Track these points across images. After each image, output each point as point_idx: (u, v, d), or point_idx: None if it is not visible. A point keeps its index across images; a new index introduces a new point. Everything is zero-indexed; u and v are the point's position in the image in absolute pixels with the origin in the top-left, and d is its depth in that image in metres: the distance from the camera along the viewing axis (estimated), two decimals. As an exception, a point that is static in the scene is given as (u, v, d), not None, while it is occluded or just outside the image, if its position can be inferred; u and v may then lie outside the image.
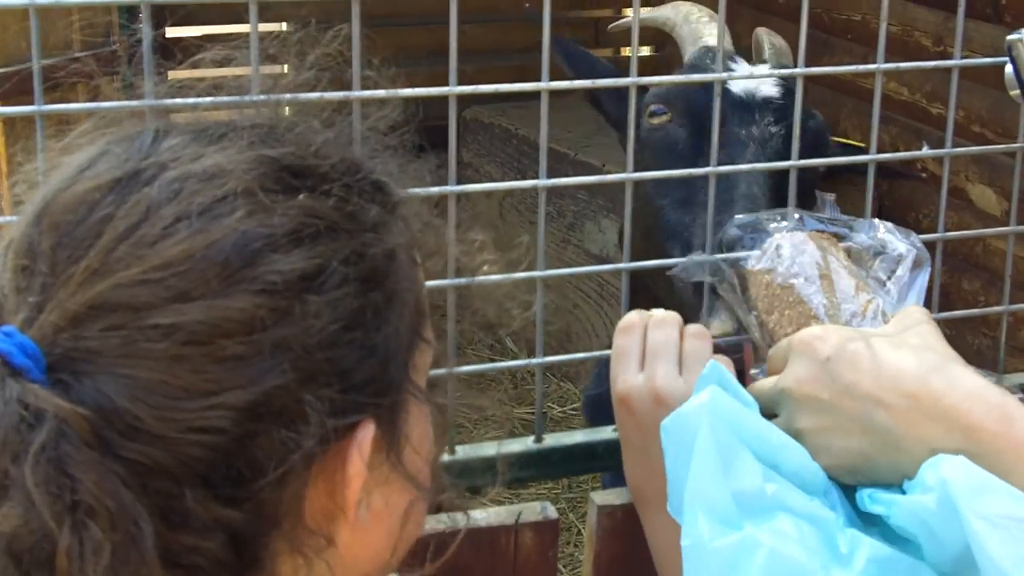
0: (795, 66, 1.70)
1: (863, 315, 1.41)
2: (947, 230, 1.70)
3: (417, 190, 1.13)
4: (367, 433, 0.95)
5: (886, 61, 1.66)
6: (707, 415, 1.18)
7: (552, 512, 1.51)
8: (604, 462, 1.61)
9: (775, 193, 2.09)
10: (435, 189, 1.30)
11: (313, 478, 0.93)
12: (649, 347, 1.39)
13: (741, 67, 2.45)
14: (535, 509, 1.51)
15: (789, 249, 1.46)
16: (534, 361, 1.56)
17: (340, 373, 0.93)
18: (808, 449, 1.23)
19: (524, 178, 5.11)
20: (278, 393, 0.89)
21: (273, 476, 0.89)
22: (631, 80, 1.56)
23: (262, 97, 1.10)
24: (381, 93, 1.34)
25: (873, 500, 1.20)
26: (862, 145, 2.45)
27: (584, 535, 1.76)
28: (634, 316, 1.45)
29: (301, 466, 0.90)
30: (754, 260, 1.49)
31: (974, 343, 4.28)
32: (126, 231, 0.90)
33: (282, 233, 0.92)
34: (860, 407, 1.19)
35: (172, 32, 5.95)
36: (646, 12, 2.64)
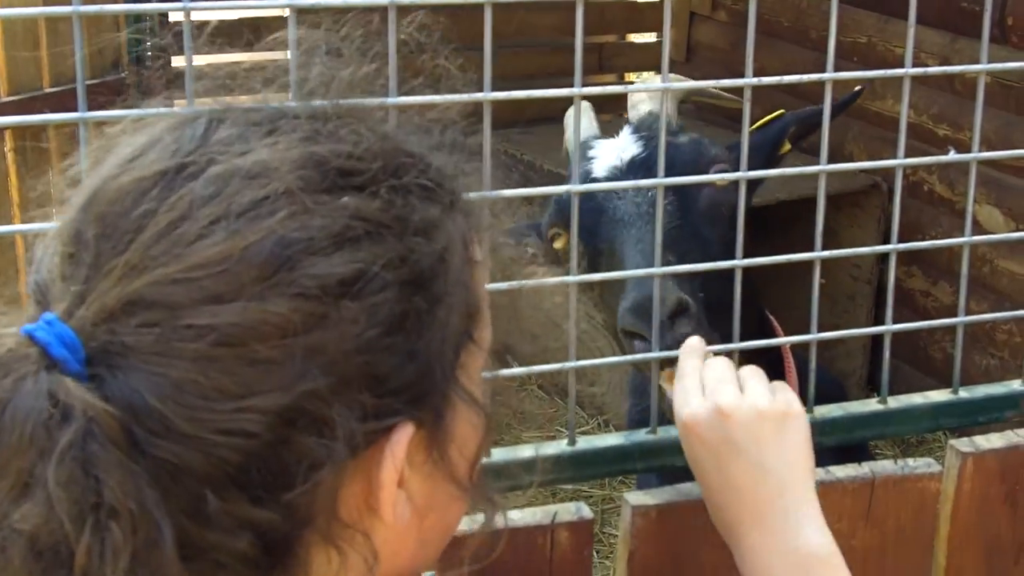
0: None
1: None
2: (953, 250, 1.69)
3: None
4: (403, 436, 0.94)
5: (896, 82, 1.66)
6: None
7: (587, 512, 1.52)
8: (636, 463, 1.64)
9: (683, 250, 2.09)
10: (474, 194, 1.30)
11: (349, 475, 0.93)
12: (710, 372, 1.42)
13: (601, 147, 2.35)
14: (570, 509, 1.53)
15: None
16: (567, 365, 1.57)
17: (376, 378, 0.92)
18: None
19: (531, 205, 5.12)
20: (310, 398, 0.89)
21: (304, 481, 0.89)
22: (663, 86, 1.58)
23: (298, 104, 1.09)
24: (417, 100, 1.35)
25: None
26: (783, 112, 2.40)
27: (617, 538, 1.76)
28: (696, 340, 1.49)
29: (333, 469, 0.90)
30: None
31: (982, 363, 4.28)
32: (167, 227, 0.90)
33: (322, 236, 0.91)
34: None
35: (177, 62, 5.99)
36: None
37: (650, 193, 2.11)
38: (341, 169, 0.95)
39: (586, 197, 2.14)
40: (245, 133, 0.96)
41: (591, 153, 2.27)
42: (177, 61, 6.03)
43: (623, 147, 2.25)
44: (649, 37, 7.04)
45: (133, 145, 0.98)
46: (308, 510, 0.91)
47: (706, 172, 2.17)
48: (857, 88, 2.36)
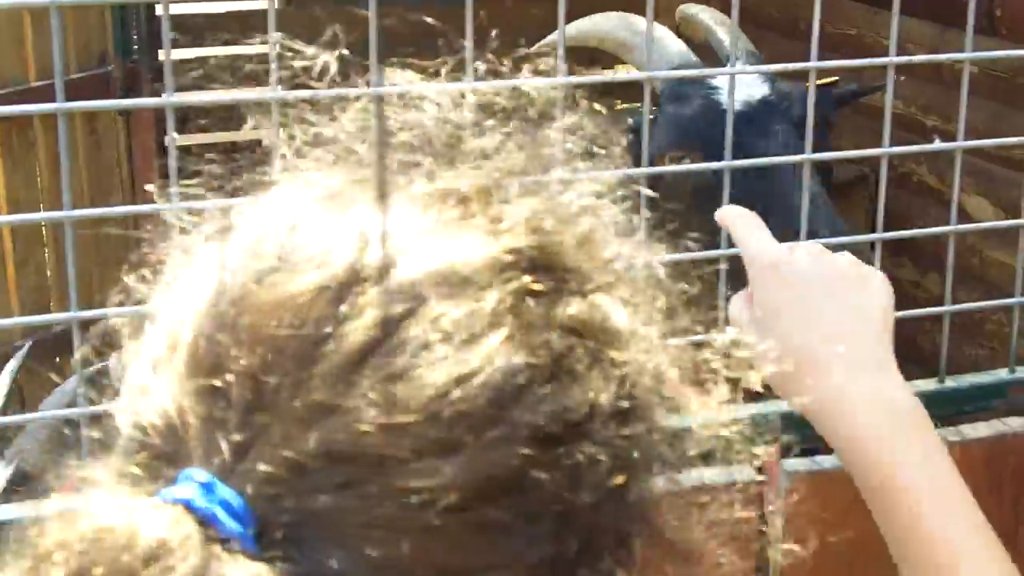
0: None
1: None
2: (942, 242, 1.70)
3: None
4: None
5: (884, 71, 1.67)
6: None
7: None
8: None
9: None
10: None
11: None
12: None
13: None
14: None
15: None
16: None
17: (616, 535, 0.75)
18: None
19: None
20: (550, 569, 0.71)
21: None
22: (646, 75, 1.59)
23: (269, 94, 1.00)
24: (402, 88, 1.33)
25: None
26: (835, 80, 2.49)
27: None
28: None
29: None
30: None
31: (971, 354, 4.28)
32: (360, 355, 0.69)
33: (546, 363, 0.71)
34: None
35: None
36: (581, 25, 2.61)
37: (781, 132, 2.18)
38: (543, 265, 0.75)
39: (717, 126, 2.14)
40: (430, 222, 0.76)
41: (714, 83, 2.34)
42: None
43: (749, 84, 2.33)
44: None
45: (270, 234, 0.75)
46: None
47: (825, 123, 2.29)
48: (874, 85, 2.43)
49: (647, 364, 0.78)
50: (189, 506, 0.66)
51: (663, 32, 2.56)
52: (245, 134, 6.10)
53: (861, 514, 1.29)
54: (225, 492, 0.66)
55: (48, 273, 4.34)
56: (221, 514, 0.65)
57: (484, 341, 0.70)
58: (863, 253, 1.63)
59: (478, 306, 0.71)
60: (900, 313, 1.75)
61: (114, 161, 4.51)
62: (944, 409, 1.75)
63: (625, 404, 0.74)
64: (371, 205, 0.75)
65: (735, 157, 2.12)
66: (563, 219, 0.79)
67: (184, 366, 0.71)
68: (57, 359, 3.91)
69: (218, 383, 0.69)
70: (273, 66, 1.44)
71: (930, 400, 1.75)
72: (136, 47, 4.51)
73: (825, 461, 1.58)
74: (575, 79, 1.52)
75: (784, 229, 1.72)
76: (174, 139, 1.48)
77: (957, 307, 1.77)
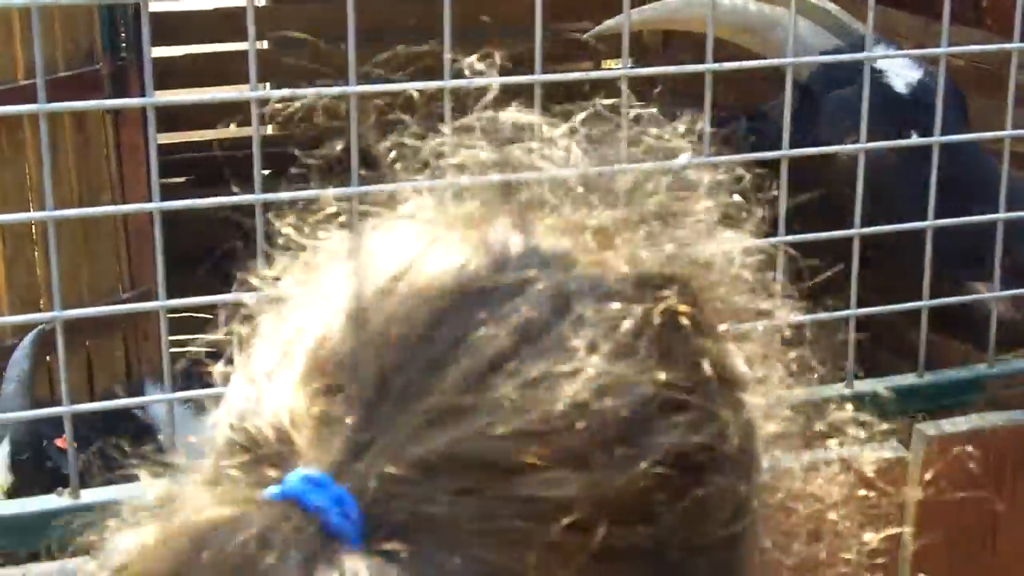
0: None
1: None
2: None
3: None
4: None
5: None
6: None
7: None
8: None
9: None
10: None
11: None
12: None
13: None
14: None
15: None
16: None
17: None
18: None
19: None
20: None
21: None
22: (622, 72, 1.58)
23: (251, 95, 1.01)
24: (379, 88, 1.33)
25: None
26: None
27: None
28: None
29: None
30: None
31: (961, 347, 4.29)
32: (498, 359, 0.67)
33: (685, 388, 0.69)
34: None
35: (156, 52, 5.97)
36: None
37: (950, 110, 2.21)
38: (677, 289, 0.73)
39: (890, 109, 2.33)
40: (559, 239, 0.74)
41: (877, 67, 2.41)
42: (156, 52, 6.03)
43: (902, 68, 2.38)
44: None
45: (392, 247, 0.75)
46: None
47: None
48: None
49: (764, 420, 0.77)
50: (299, 500, 0.64)
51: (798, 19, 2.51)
52: (231, 132, 6.11)
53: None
54: (336, 490, 0.65)
55: (38, 271, 4.34)
56: (330, 510, 0.64)
57: (626, 355, 0.68)
58: None
59: (623, 319, 0.69)
60: (879, 309, 1.77)
61: (103, 160, 4.51)
62: (924, 403, 1.77)
63: (749, 451, 0.73)
64: (510, 218, 0.74)
65: (910, 136, 2.19)
66: (701, 263, 0.77)
67: (304, 367, 0.70)
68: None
69: (333, 381, 0.68)
70: (252, 62, 1.46)
71: (910, 394, 1.77)
72: (124, 45, 4.51)
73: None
74: (548, 77, 1.53)
75: (982, 204, 1.78)
76: (154, 139, 1.48)
77: (934, 302, 1.79)
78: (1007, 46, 1.78)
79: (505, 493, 0.64)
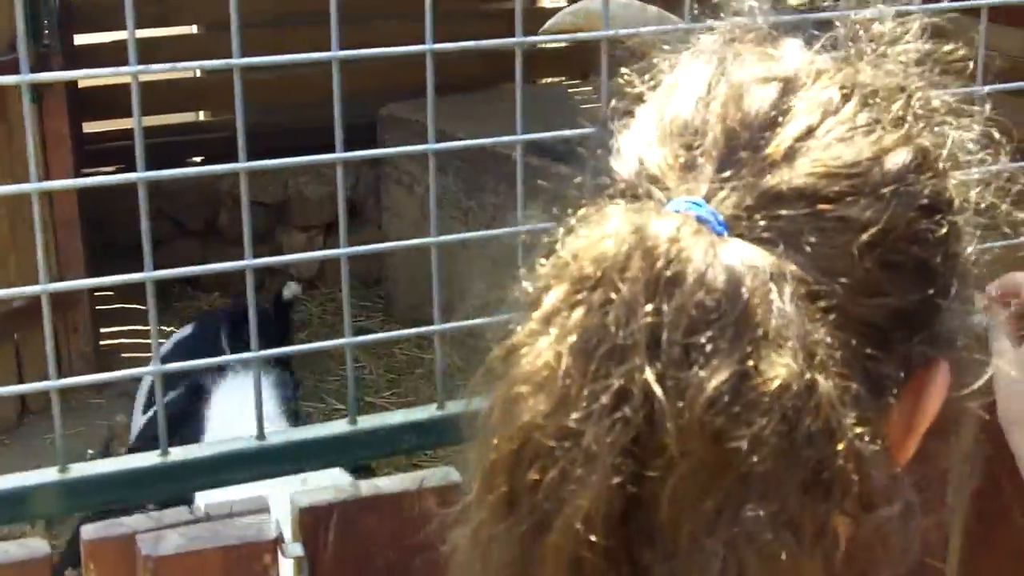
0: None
1: None
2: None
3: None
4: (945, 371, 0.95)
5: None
6: None
7: (455, 476, 1.52)
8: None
9: None
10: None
11: (905, 392, 0.93)
12: None
13: None
14: (438, 475, 1.54)
15: None
16: (434, 328, 1.60)
17: (960, 290, 0.95)
18: None
19: (445, 174, 5.09)
20: (924, 306, 0.91)
21: (894, 384, 0.90)
22: (516, 40, 1.59)
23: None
24: (361, 53, 1.31)
25: None
26: None
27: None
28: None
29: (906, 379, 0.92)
30: None
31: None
32: (811, 125, 0.91)
33: (928, 157, 0.94)
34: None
35: (80, 40, 5.87)
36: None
37: None
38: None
39: None
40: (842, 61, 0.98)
41: None
42: (79, 39, 5.92)
43: None
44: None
45: (713, 60, 0.98)
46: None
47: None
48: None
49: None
50: (690, 210, 0.85)
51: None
52: (165, 119, 6.02)
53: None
54: (710, 210, 0.86)
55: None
56: (711, 221, 0.85)
57: (895, 127, 0.92)
58: None
59: (894, 102, 0.94)
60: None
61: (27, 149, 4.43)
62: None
63: (964, 212, 0.97)
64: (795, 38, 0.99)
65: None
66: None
67: (669, 132, 0.93)
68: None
69: (692, 140, 0.91)
70: (235, 31, 1.44)
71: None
72: (47, 32, 4.43)
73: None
74: (530, 39, 1.50)
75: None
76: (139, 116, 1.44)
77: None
78: None
79: (822, 215, 0.87)
